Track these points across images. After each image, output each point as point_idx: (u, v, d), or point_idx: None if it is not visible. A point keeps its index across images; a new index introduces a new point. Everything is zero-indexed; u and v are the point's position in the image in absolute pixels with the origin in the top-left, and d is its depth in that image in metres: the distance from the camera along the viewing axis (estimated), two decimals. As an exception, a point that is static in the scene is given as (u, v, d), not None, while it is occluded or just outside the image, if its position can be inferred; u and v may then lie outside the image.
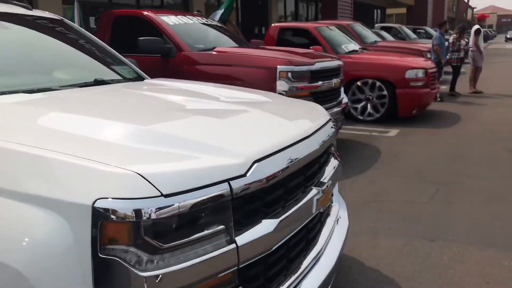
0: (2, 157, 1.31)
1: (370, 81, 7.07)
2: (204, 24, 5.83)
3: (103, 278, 1.18)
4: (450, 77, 10.58)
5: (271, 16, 16.62)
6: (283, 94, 4.69)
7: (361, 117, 7.22)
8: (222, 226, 1.33)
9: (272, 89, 4.68)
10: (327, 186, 1.95)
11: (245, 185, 1.38)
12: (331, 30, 8.18)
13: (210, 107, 2.01)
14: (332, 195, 2.31)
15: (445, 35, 10.26)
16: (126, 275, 1.17)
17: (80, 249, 1.17)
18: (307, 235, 1.87)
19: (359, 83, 7.13)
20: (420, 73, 6.99)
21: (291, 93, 4.72)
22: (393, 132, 6.56)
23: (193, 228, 1.28)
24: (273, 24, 8.84)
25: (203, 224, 1.30)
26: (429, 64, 7.56)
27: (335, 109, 5.25)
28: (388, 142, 5.96)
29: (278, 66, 4.70)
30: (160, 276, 1.19)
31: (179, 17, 5.49)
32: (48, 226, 1.19)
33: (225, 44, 5.51)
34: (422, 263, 2.78)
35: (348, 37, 8.47)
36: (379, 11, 32.13)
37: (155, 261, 1.20)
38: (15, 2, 2.76)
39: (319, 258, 1.91)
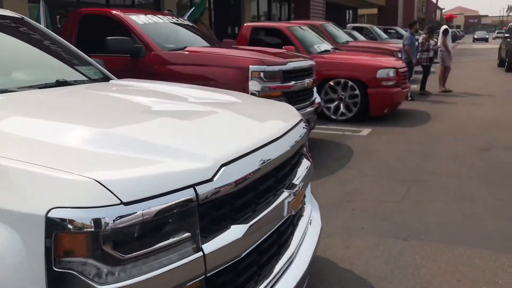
0: None
1: (342, 80, 7.10)
2: (174, 23, 5.73)
3: (59, 293, 1.10)
4: (420, 77, 10.76)
5: (244, 16, 16.58)
6: (255, 94, 4.65)
7: (334, 117, 7.25)
8: (187, 234, 1.27)
9: (245, 89, 4.63)
10: (299, 188, 1.91)
11: (212, 190, 1.33)
12: (303, 30, 8.19)
13: (176, 108, 1.94)
14: (305, 196, 2.27)
15: (415, 35, 10.42)
16: (84, 289, 1.10)
17: (33, 263, 1.10)
18: (278, 239, 1.82)
19: (331, 82, 7.16)
20: (391, 73, 7.06)
21: (263, 93, 4.68)
22: (366, 131, 6.61)
23: (157, 237, 1.21)
24: (245, 24, 8.78)
25: (167, 232, 1.24)
26: (400, 63, 7.65)
27: (308, 109, 5.25)
28: (360, 141, 5.99)
29: (250, 66, 4.66)
30: (122, 289, 1.12)
31: (149, 16, 5.38)
32: (-1, 238, 1.10)
33: (196, 43, 5.43)
34: (395, 263, 2.78)
35: (320, 37, 8.49)
36: (351, 11, 32.50)
37: (116, 273, 1.13)
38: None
39: (292, 261, 1.87)
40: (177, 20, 5.82)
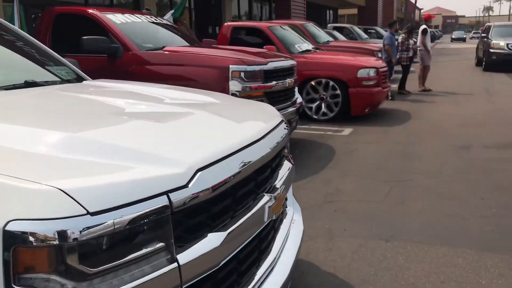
0: None
1: (323, 80, 7.08)
2: (153, 22, 5.62)
3: (19, 313, 1.02)
4: (400, 76, 10.83)
5: (225, 16, 16.48)
6: (236, 95, 4.57)
7: (315, 117, 7.23)
8: (161, 244, 1.20)
9: (225, 89, 4.56)
10: (280, 191, 1.85)
11: (187, 197, 1.25)
12: (284, 30, 8.14)
13: (151, 110, 1.86)
14: (286, 199, 2.22)
15: (395, 35, 10.49)
16: (47, 308, 1.01)
17: (-10, 280, 1.00)
18: (259, 245, 1.76)
19: (313, 82, 7.13)
20: (372, 72, 7.07)
21: (244, 93, 4.62)
22: (347, 131, 6.60)
23: (127, 248, 1.13)
24: (225, 23, 8.70)
25: (139, 243, 1.16)
26: (380, 63, 7.68)
27: (290, 109, 5.20)
28: (342, 141, 5.97)
29: (230, 66, 4.58)
30: (89, 306, 1.04)
31: (127, 15, 5.25)
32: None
33: (175, 43, 5.33)
34: (378, 265, 2.74)
35: (301, 37, 8.47)
36: (331, 11, 32.67)
37: (83, 289, 1.05)
38: None
39: (273, 267, 1.81)
40: (156, 20, 5.71)
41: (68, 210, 1.03)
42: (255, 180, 1.70)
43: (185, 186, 1.26)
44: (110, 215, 1.08)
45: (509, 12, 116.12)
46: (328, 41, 10.60)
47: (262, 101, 4.73)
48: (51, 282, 1.02)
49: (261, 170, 1.75)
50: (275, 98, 4.98)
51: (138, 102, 1.98)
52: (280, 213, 1.94)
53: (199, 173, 1.32)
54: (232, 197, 1.53)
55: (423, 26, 10.90)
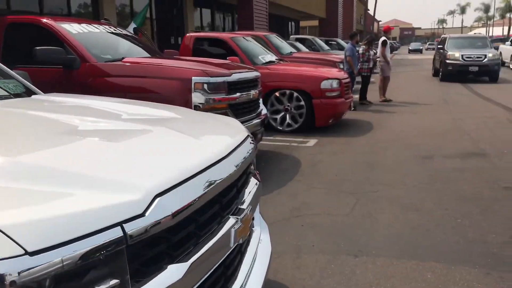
0: None
1: (287, 92, 7.06)
2: (112, 33, 5.42)
3: None
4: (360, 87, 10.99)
5: (187, 26, 16.33)
6: (199, 107, 4.45)
7: (280, 128, 7.19)
8: (115, 281, 1.06)
9: (188, 101, 4.43)
10: (247, 212, 1.74)
11: (143, 227, 1.12)
12: (247, 41, 8.10)
13: (106, 128, 1.71)
14: (253, 219, 2.11)
15: (356, 46, 10.65)
16: None
17: None
18: (225, 272, 1.64)
19: (277, 94, 7.10)
20: (335, 84, 7.11)
21: (208, 106, 4.50)
22: (312, 142, 6.58)
23: (75, 289, 0.99)
24: (188, 34, 8.57)
25: (89, 282, 1.02)
26: (343, 74, 7.74)
27: (255, 121, 5.12)
28: (307, 153, 5.94)
29: (193, 77, 4.46)
30: None
31: (84, 25, 5.04)
32: None
33: (136, 54, 5.16)
34: (347, 282, 2.67)
35: (264, 48, 8.45)
36: (293, 23, 33.10)
37: None
38: None
39: (241, 294, 1.69)
40: (115, 30, 5.51)
41: (3, 250, 0.89)
42: (219, 202, 1.59)
43: (142, 215, 1.13)
44: (53, 253, 0.93)
45: (462, 24, 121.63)
46: (291, 52, 10.65)
47: (226, 113, 4.62)
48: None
49: (226, 191, 1.63)
50: (239, 110, 4.90)
51: (91, 118, 1.83)
52: (247, 235, 1.83)
53: (157, 199, 1.19)
54: (195, 223, 1.41)
55: (383, 38, 11.14)
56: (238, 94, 4.83)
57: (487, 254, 3.01)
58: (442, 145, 6.31)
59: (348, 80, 7.78)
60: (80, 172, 1.18)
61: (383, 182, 4.62)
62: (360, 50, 10.63)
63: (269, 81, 6.85)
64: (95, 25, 5.26)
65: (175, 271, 1.23)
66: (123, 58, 4.74)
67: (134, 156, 1.40)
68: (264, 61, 7.58)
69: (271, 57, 8.02)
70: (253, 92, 5.16)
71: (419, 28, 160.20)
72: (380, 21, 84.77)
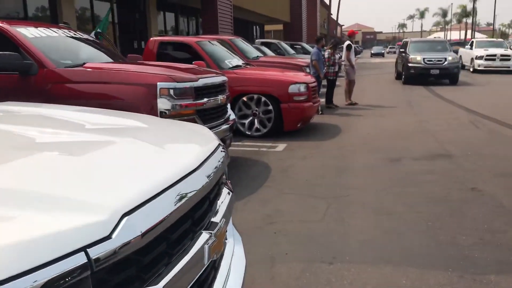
0: None
1: (255, 96, 7.00)
2: (72, 37, 5.20)
3: None
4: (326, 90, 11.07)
5: (150, 30, 16.06)
6: (165, 113, 4.32)
7: (248, 133, 7.11)
8: (79, 313, 0.95)
9: (153, 108, 4.29)
10: (220, 226, 1.64)
11: (110, 250, 1.01)
12: (213, 45, 7.99)
13: (66, 140, 1.58)
14: (226, 231, 2.01)
15: (322, 50, 10.73)
16: None
17: None
18: (199, 291, 1.53)
19: (245, 98, 7.02)
20: (302, 88, 7.10)
21: (174, 112, 4.37)
22: (281, 146, 6.53)
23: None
24: (152, 38, 8.38)
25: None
26: (310, 78, 7.75)
27: (223, 127, 5.02)
28: (276, 158, 5.88)
29: (158, 83, 4.32)
30: None
31: (41, 29, 4.81)
32: None
33: (97, 59, 4.97)
34: (323, 291, 2.61)
35: (231, 52, 8.36)
36: (257, 27, 33.19)
37: None
38: None
39: (215, 312, 1.59)
40: (75, 34, 5.30)
41: None
42: (191, 216, 1.48)
43: (108, 237, 1.02)
44: (6, 287, 0.82)
45: (421, 28, 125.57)
46: (257, 56, 10.61)
47: (193, 119, 4.51)
48: None
49: (198, 204, 1.53)
50: (207, 116, 4.79)
51: (50, 129, 1.69)
52: (221, 250, 1.73)
53: (125, 219, 1.08)
54: (166, 241, 1.30)
55: (348, 42, 11.28)
56: (205, 99, 4.72)
57: (459, 256, 3.02)
58: (409, 147, 6.39)
59: (315, 84, 7.80)
60: (37, 191, 1.06)
61: (354, 186, 4.61)
62: (326, 54, 10.72)
63: (236, 85, 6.77)
64: (54, 29, 5.03)
65: (146, 296, 1.12)
66: (84, 63, 4.55)
67: (98, 171, 1.28)
68: (231, 66, 7.50)
69: (237, 61, 7.94)
70: (220, 97, 5.06)
71: (381, 32, 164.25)
72: (343, 25, 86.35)
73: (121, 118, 1.98)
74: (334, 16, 50.54)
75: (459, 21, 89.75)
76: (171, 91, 4.36)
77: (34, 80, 4.30)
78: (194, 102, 4.56)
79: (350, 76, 11.29)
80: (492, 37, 39.37)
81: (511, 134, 7.31)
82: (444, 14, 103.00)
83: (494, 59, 20.01)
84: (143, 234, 1.12)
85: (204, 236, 1.51)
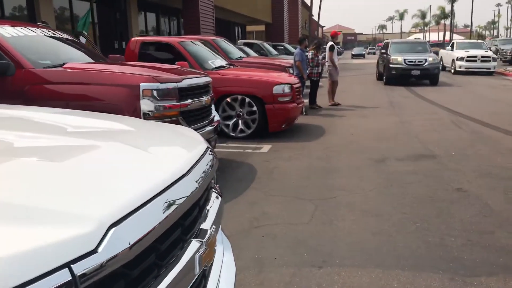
0: None
1: (239, 97, 6.92)
2: (50, 37, 5.04)
3: None
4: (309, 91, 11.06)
5: (132, 31, 15.83)
6: (148, 115, 4.21)
7: (233, 134, 7.03)
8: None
9: (136, 109, 4.18)
10: (211, 234, 1.57)
11: (97, 265, 0.93)
12: (196, 45, 7.89)
13: (46, 144, 1.48)
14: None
15: (305, 51, 10.71)
16: None
17: None
18: (189, 302, 1.45)
19: (229, 99, 6.94)
20: (287, 88, 7.06)
21: (158, 113, 4.27)
22: (266, 147, 6.47)
23: None
24: (133, 38, 8.24)
25: None
26: (294, 79, 7.71)
27: (208, 128, 4.94)
28: (262, 159, 5.82)
29: (141, 84, 4.22)
30: None
31: (18, 28, 4.64)
32: None
33: (77, 59, 4.82)
34: (314, 297, 2.55)
35: (214, 53, 8.27)
36: (239, 28, 33.11)
37: None
38: None
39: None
40: (54, 33, 5.14)
41: None
42: (181, 224, 1.41)
43: (94, 251, 0.94)
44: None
45: (401, 30, 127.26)
46: (240, 57, 10.54)
47: (177, 121, 4.42)
48: None
49: (188, 211, 1.46)
50: (191, 117, 4.70)
51: (29, 133, 1.59)
52: (213, 259, 1.65)
53: (112, 230, 1.00)
54: (155, 252, 1.22)
55: (330, 43, 11.28)
56: (189, 100, 4.63)
57: (448, 258, 3.00)
58: (392, 148, 6.40)
59: (299, 85, 7.76)
60: (14, 202, 0.97)
61: (340, 188, 4.58)
62: (309, 55, 10.70)
63: (220, 86, 6.68)
64: (32, 28, 4.87)
65: (135, 313, 1.04)
66: (64, 63, 4.41)
67: (82, 178, 1.19)
68: (214, 66, 7.41)
69: (221, 62, 7.85)
70: (205, 98, 4.97)
71: (361, 34, 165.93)
72: (324, 26, 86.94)
73: (105, 121, 1.89)
74: (315, 17, 50.80)
75: (438, 23, 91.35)
76: (155, 92, 4.26)
77: (11, 81, 4.14)
78: (178, 103, 4.46)
79: (333, 77, 11.31)
80: (470, 39, 40.10)
81: (492, 134, 7.39)
82: (423, 15, 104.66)
83: (475, 61, 20.28)
84: (132, 246, 1.04)
85: (195, 244, 1.43)
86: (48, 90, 4.16)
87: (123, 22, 15.83)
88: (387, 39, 22.54)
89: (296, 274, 2.81)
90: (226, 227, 3.24)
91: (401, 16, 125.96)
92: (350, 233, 3.45)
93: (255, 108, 6.91)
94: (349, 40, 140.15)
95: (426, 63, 16.07)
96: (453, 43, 23.35)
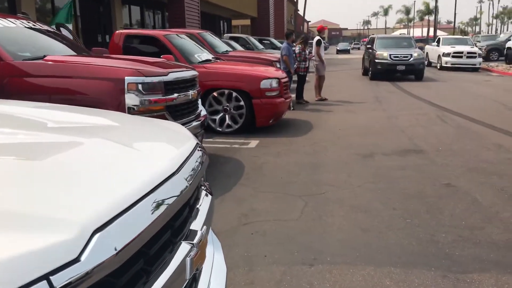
0: None
1: (226, 91, 6.82)
2: (31, 28, 4.87)
3: None
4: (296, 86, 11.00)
5: (115, 24, 15.55)
6: (133, 109, 4.10)
7: (220, 129, 6.93)
8: None
9: (121, 103, 4.06)
10: (202, 235, 1.48)
11: (79, 275, 0.84)
12: (182, 39, 7.75)
13: (25, 141, 1.38)
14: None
15: (292, 45, 10.64)
16: None
17: None
18: (179, 309, 1.37)
19: (215, 93, 6.84)
20: (274, 83, 6.98)
21: (143, 108, 4.16)
22: (254, 143, 6.39)
23: None
24: (117, 31, 8.06)
25: None
26: (281, 74, 7.63)
27: (194, 123, 4.84)
28: (250, 154, 5.74)
29: (126, 77, 4.09)
30: None
31: (-3, 19, 4.47)
32: None
33: (59, 52, 4.67)
34: (306, 296, 2.49)
35: (200, 46, 8.14)
36: (225, 22, 32.86)
37: None
38: None
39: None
40: (34, 25, 4.97)
41: None
42: (171, 226, 1.32)
43: (77, 259, 0.85)
44: None
45: (385, 25, 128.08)
46: (227, 51, 10.42)
47: (163, 115, 4.31)
48: None
49: (177, 212, 1.37)
50: (178, 112, 4.59)
51: (7, 129, 1.48)
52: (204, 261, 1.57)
53: (96, 236, 0.91)
54: (144, 257, 1.13)
55: (317, 37, 11.23)
56: (175, 94, 4.52)
57: (440, 255, 2.97)
58: (380, 143, 6.38)
59: (286, 79, 7.69)
60: (-15, 207, 0.87)
61: (329, 183, 4.53)
62: (297, 49, 10.63)
63: (206, 80, 6.57)
64: (11, 20, 4.69)
65: (121, 326, 0.96)
66: (44, 56, 4.25)
67: (63, 179, 1.09)
68: (201, 60, 7.28)
69: (207, 55, 7.73)
70: (191, 92, 4.86)
71: (346, 29, 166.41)
72: (309, 21, 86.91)
73: (88, 116, 1.78)
74: (301, 12, 50.75)
75: (421, 19, 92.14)
76: (140, 86, 4.14)
77: (-11, 74, 3.98)
78: (164, 97, 4.35)
79: (320, 71, 11.27)
80: (453, 35, 40.50)
81: (477, 129, 7.43)
82: (407, 11, 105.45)
83: (461, 56, 20.40)
84: (118, 252, 0.95)
85: (185, 247, 1.35)
86: (28, 83, 4.02)
87: (107, 15, 15.54)
88: (372, 34, 22.55)
89: (287, 272, 2.74)
90: (215, 224, 3.15)
91: (386, 12, 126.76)
92: (340, 230, 3.40)
93: (242, 103, 6.82)
94: (334, 35, 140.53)
95: (412, 59, 16.14)
96: (439, 38, 23.50)
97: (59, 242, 0.84)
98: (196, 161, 1.64)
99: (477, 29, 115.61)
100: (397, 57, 16.17)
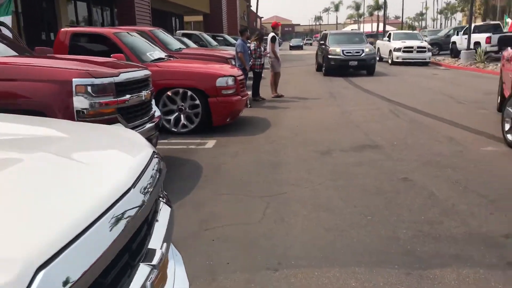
0: None
1: (181, 90, 6.64)
2: (-34, 27, 4.51)
3: None
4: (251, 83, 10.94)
5: (61, 21, 14.87)
6: (83, 113, 3.88)
7: (175, 129, 6.75)
8: None
9: (68, 107, 3.83)
10: (163, 254, 1.37)
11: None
12: (133, 36, 7.46)
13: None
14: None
15: (246, 42, 10.56)
16: None
17: None
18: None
19: (169, 93, 6.64)
20: (230, 81, 6.86)
21: (93, 111, 3.95)
22: (211, 143, 6.26)
23: None
24: (63, 29, 7.67)
25: None
26: (237, 71, 7.53)
27: (148, 125, 4.66)
28: (207, 155, 5.61)
29: (74, 79, 3.87)
30: None
31: None
32: None
33: (-1, 52, 4.35)
34: (272, 303, 2.42)
35: (152, 44, 7.89)
36: (176, 18, 32.30)
37: None
38: None
39: None
40: (-30, 23, 4.60)
41: None
42: (128, 249, 1.20)
43: (17, 305, 0.72)
44: None
45: (336, 21, 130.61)
46: (180, 48, 10.18)
47: (115, 118, 4.11)
48: None
49: (135, 232, 1.25)
50: (130, 114, 4.40)
51: None
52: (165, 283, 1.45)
53: (41, 273, 0.79)
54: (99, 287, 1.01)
55: (272, 34, 11.21)
56: (128, 96, 4.32)
57: (402, 251, 2.98)
58: (336, 139, 6.42)
59: (242, 77, 7.60)
60: None
61: (290, 182, 4.49)
62: (252, 46, 10.56)
63: (159, 79, 6.36)
64: None
65: None
66: (-18, 57, 3.94)
67: (-1, 207, 0.95)
68: (153, 58, 7.04)
69: (160, 53, 7.49)
70: (144, 93, 4.67)
71: (298, 25, 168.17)
72: (262, 17, 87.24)
73: (30, 126, 1.61)
74: (253, 8, 50.78)
75: (371, 14, 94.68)
76: (89, 88, 3.92)
77: None
78: (116, 99, 4.15)
79: (275, 68, 11.26)
80: (402, 29, 41.80)
81: (428, 122, 7.64)
82: (358, 7, 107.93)
83: (411, 51, 21.00)
84: (69, 289, 0.83)
85: (145, 269, 1.23)
86: (-36, 87, 3.71)
87: (51, 12, 14.83)
88: (325, 30, 22.83)
89: (251, 279, 2.66)
90: (174, 232, 3.02)
91: (337, 8, 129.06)
92: (303, 231, 3.36)
93: (197, 102, 6.67)
94: (287, 31, 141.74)
95: (363, 54, 16.47)
96: (389, 34, 24.09)
97: (-6, 287, 0.71)
98: (154, 171, 1.53)
99: (423, 24, 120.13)
100: (350, 52, 16.45)
